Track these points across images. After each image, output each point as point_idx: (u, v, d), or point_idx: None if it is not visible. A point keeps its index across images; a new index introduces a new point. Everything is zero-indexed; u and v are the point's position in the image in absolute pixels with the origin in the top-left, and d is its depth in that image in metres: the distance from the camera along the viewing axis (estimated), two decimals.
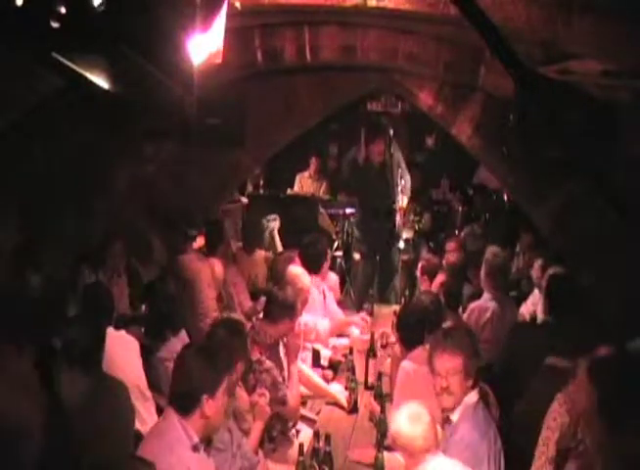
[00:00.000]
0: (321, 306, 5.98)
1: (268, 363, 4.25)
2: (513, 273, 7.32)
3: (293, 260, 5.88)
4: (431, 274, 6.12)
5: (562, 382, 3.81)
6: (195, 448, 2.99)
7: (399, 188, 7.22)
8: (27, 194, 5.66)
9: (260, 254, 7.12)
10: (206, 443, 3.09)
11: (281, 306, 4.51)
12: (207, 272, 5.88)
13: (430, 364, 3.54)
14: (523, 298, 6.61)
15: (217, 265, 6.00)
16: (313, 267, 5.90)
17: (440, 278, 5.85)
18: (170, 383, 3.19)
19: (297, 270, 5.50)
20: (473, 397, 3.48)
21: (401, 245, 7.22)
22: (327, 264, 6.21)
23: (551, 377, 4.00)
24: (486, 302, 5.58)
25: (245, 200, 9.01)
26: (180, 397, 3.06)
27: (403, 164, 7.50)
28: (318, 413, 4.69)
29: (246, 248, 7.01)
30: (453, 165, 10.50)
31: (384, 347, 5.44)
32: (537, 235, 6.97)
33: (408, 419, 3.09)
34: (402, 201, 7.23)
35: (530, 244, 7.34)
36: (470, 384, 3.46)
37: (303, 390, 4.81)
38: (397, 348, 4.55)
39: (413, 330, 4.29)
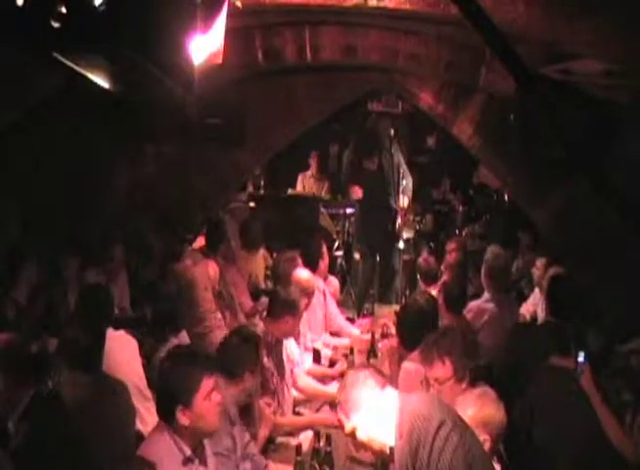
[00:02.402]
0: (321, 306, 5.97)
1: (265, 362, 4.24)
2: (513, 273, 7.32)
3: (294, 261, 5.86)
4: (427, 275, 6.11)
5: (563, 382, 3.82)
6: (186, 461, 2.90)
7: (400, 188, 7.20)
8: (27, 194, 5.66)
9: (260, 254, 7.11)
10: (200, 449, 2.99)
11: (283, 304, 4.51)
12: (204, 276, 5.87)
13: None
14: (523, 298, 6.60)
15: (212, 266, 6.00)
16: (313, 266, 5.91)
17: (444, 279, 5.84)
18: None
19: (303, 274, 5.47)
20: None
21: (401, 245, 7.20)
22: (324, 264, 6.19)
23: (553, 377, 4.00)
24: (485, 302, 5.57)
25: (252, 204, 9.03)
26: (160, 408, 2.98)
27: (404, 166, 7.45)
28: (318, 412, 4.68)
29: (245, 248, 7.01)
30: (454, 165, 10.50)
31: (384, 336, 5.43)
32: (537, 235, 6.97)
33: None
34: (403, 201, 7.21)
35: (530, 244, 7.34)
36: (464, 386, 3.41)
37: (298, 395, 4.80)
38: (396, 346, 4.54)
39: (412, 331, 4.28)
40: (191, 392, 2.86)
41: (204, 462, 3.03)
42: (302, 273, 5.46)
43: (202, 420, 2.89)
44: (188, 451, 2.91)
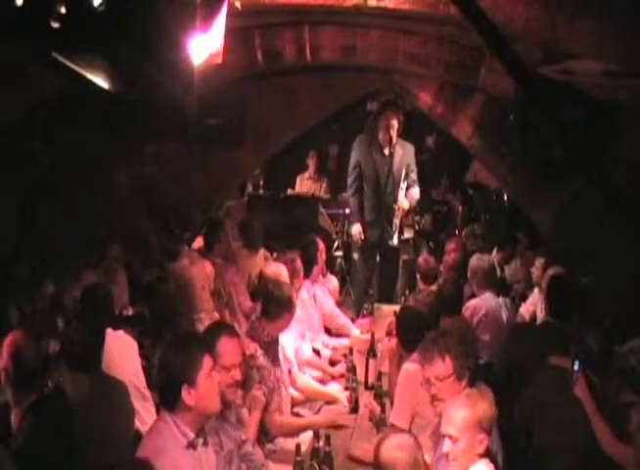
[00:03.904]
0: (314, 309, 5.97)
1: (262, 361, 4.23)
2: (512, 273, 7.32)
3: (293, 262, 5.85)
4: (427, 275, 6.11)
5: (563, 382, 3.82)
6: (190, 446, 2.95)
7: (403, 187, 7.16)
8: (27, 194, 5.67)
9: (260, 254, 7.11)
10: (203, 434, 3.04)
11: (278, 303, 4.50)
12: (201, 275, 5.87)
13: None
14: (521, 298, 6.60)
15: (208, 266, 6.01)
16: (310, 269, 5.93)
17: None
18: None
19: (272, 268, 5.47)
20: None
21: (395, 241, 7.17)
22: (317, 269, 6.18)
23: (553, 377, 4.01)
24: (482, 301, 5.60)
25: (246, 199, 9.03)
26: (162, 392, 3.04)
27: (413, 175, 7.34)
28: (318, 413, 4.68)
29: (245, 248, 7.01)
30: (453, 165, 10.50)
31: (389, 334, 5.42)
32: (537, 235, 6.97)
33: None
34: (404, 202, 7.17)
35: (530, 244, 7.33)
36: (463, 385, 3.41)
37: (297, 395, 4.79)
38: (396, 347, 4.53)
39: (412, 331, 4.27)
40: (195, 370, 2.93)
41: (206, 443, 3.06)
42: (272, 267, 5.46)
43: (205, 399, 2.95)
44: (191, 435, 2.95)
